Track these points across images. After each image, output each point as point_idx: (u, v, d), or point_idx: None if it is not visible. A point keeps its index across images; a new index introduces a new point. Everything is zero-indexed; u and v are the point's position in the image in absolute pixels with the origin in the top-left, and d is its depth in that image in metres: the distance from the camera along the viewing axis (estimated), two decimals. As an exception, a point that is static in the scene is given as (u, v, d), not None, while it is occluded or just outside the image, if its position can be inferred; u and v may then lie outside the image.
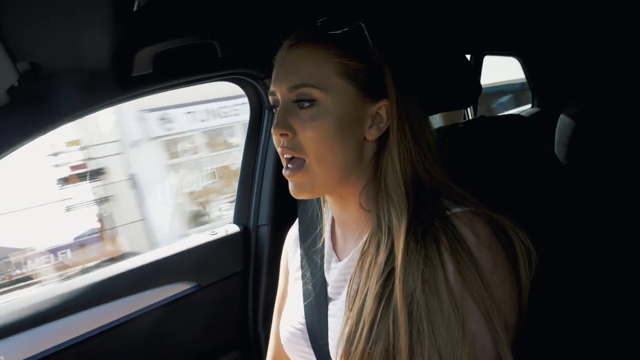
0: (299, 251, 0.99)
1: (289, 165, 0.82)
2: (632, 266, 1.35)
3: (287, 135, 0.81)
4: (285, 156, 0.82)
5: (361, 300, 0.77)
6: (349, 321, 0.78)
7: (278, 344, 1.02)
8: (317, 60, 0.80)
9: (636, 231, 1.37)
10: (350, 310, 0.78)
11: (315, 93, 0.79)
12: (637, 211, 1.39)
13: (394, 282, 0.74)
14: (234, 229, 1.54)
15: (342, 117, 0.79)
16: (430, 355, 0.70)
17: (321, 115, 0.79)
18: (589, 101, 1.43)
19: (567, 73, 2.57)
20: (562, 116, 1.45)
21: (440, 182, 0.82)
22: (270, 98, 0.86)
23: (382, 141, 0.83)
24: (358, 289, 0.79)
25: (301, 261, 0.97)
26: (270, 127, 0.86)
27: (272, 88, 0.84)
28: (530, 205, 0.97)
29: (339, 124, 0.79)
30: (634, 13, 2.09)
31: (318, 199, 0.97)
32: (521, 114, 2.25)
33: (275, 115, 0.82)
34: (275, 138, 0.83)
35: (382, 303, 0.75)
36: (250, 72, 1.36)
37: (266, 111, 1.50)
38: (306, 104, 0.79)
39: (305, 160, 0.80)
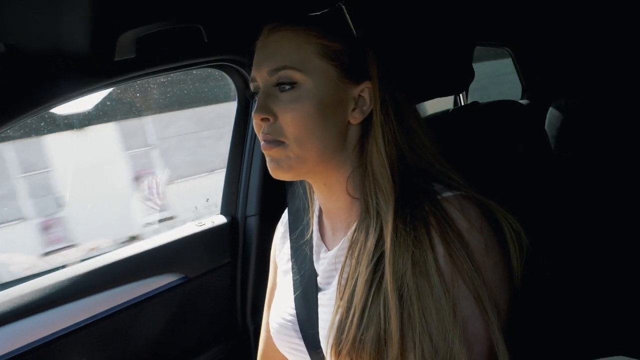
0: (287, 243, 0.98)
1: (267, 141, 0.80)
2: (618, 251, 1.36)
3: (268, 119, 0.79)
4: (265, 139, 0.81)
5: (351, 287, 0.76)
6: (340, 309, 0.77)
7: (268, 337, 1.01)
8: (298, 43, 0.78)
9: (624, 220, 1.38)
10: (341, 298, 0.77)
11: (296, 75, 0.78)
12: (624, 199, 1.40)
13: (384, 267, 0.73)
14: (221, 220, 1.52)
15: (323, 99, 0.78)
16: (422, 339, 0.69)
17: (302, 97, 0.78)
18: (578, 94, 1.43)
19: (557, 66, 2.57)
20: (551, 109, 1.46)
21: (430, 164, 0.81)
22: (251, 85, 0.84)
23: (367, 125, 0.82)
24: (348, 277, 0.78)
25: (291, 253, 0.96)
26: None
27: (252, 74, 0.83)
28: (522, 192, 0.96)
29: (320, 106, 0.78)
30: (626, 9, 2.10)
31: (304, 190, 0.96)
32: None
33: (256, 101, 0.81)
34: (255, 124, 0.81)
35: (373, 288, 0.74)
36: (236, 58, 1.33)
37: (254, 99, 1.47)
38: (287, 87, 0.78)
39: (284, 142, 0.79)
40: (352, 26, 0.80)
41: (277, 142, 0.79)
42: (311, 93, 0.78)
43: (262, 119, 0.80)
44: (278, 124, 0.79)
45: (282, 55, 0.79)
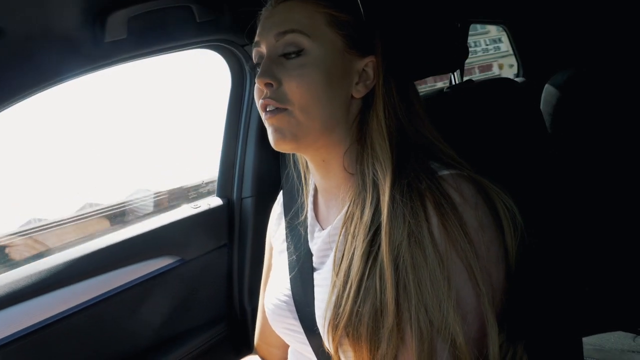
0: (282, 224, 0.98)
1: (267, 109, 0.79)
2: (615, 232, 1.37)
3: (271, 85, 0.78)
4: (267, 108, 0.79)
5: (348, 262, 0.76)
6: (336, 287, 0.77)
7: (265, 318, 1.02)
8: (307, 10, 0.79)
9: (621, 199, 1.38)
10: (337, 274, 0.78)
11: (304, 41, 0.77)
12: (620, 177, 1.40)
13: (380, 240, 0.74)
14: (217, 202, 1.52)
15: (329, 67, 0.78)
16: (417, 309, 0.70)
17: (309, 64, 0.77)
18: (574, 70, 1.43)
19: (553, 41, 2.56)
20: (547, 86, 1.45)
21: (429, 140, 0.82)
22: (255, 51, 0.83)
23: (368, 101, 0.82)
24: (344, 252, 0.78)
25: (285, 234, 0.96)
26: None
27: (257, 39, 0.82)
28: (515, 171, 0.96)
29: (326, 75, 0.78)
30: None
31: (299, 174, 0.96)
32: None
33: (260, 67, 0.80)
34: (257, 90, 0.80)
35: (370, 261, 0.74)
36: (230, 38, 1.32)
37: (248, 81, 1.46)
38: (293, 55, 0.78)
39: (287, 109, 0.78)
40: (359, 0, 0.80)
41: (279, 109, 0.78)
42: (318, 60, 0.78)
43: (266, 84, 0.78)
44: (282, 90, 0.78)
45: (291, 20, 0.78)
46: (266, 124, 0.81)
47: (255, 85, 0.81)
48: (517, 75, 2.80)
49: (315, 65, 0.77)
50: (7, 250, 1.38)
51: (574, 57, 2.42)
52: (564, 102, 1.41)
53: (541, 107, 1.44)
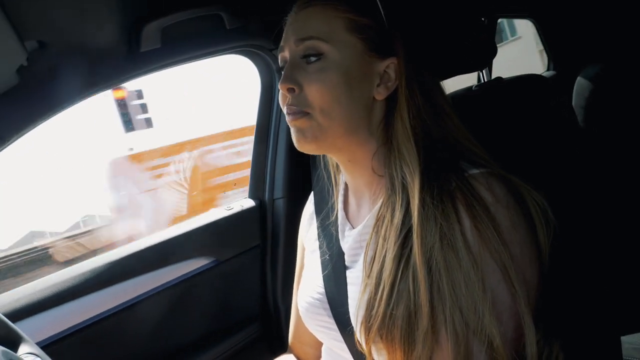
0: (314, 224, 1.00)
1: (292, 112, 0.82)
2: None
3: (293, 90, 0.80)
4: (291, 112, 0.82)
5: (380, 264, 0.77)
6: (368, 288, 0.78)
7: (299, 317, 1.03)
8: (326, 16, 0.80)
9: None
10: (369, 276, 0.78)
11: (323, 46, 0.79)
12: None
13: (412, 243, 0.74)
14: (250, 203, 1.54)
15: (349, 70, 0.79)
16: (452, 312, 0.70)
17: (328, 68, 0.79)
18: (607, 62, 1.39)
19: (583, 33, 2.50)
20: (579, 78, 1.41)
21: (456, 140, 0.82)
22: (279, 57, 0.86)
23: (392, 103, 0.83)
24: (375, 254, 0.79)
25: (317, 233, 0.97)
26: None
27: (281, 44, 0.84)
28: (549, 169, 0.95)
29: (345, 77, 0.79)
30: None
31: (329, 175, 0.97)
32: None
33: (283, 72, 0.82)
34: (281, 95, 0.83)
35: (402, 264, 0.75)
36: (259, 43, 1.34)
37: (277, 83, 1.48)
38: (313, 59, 0.80)
39: (309, 113, 0.80)
40: (379, 2, 0.81)
41: (302, 112, 0.80)
42: (337, 64, 0.79)
43: (288, 89, 0.81)
44: (303, 94, 0.80)
45: (309, 27, 0.80)
46: (290, 125, 0.83)
47: (280, 91, 0.83)
48: (548, 69, 2.75)
49: (335, 69, 0.79)
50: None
51: (605, 49, 2.36)
52: (597, 95, 1.37)
53: (573, 100, 1.41)
